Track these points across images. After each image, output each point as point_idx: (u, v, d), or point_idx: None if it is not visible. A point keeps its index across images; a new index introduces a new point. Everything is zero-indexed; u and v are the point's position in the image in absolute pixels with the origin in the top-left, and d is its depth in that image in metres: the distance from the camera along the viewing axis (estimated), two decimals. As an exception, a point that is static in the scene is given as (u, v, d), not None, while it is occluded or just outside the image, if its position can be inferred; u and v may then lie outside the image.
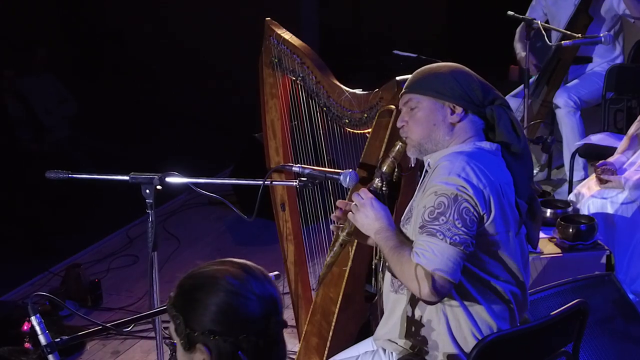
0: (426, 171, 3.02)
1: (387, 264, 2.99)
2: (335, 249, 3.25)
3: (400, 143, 3.09)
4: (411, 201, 3.05)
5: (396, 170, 3.14)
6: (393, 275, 2.98)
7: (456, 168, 2.83)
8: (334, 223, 3.22)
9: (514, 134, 2.97)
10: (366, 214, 2.99)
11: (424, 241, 2.80)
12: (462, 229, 2.78)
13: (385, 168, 3.12)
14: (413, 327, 2.99)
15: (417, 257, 2.79)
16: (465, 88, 2.95)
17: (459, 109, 2.95)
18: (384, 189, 3.08)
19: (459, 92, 2.94)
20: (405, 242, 2.90)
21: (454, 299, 2.92)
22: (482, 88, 2.97)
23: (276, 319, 2.12)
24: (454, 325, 2.95)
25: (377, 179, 3.10)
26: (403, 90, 3.05)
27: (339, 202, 3.19)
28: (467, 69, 3.03)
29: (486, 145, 2.96)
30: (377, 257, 3.18)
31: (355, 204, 3.03)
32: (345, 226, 3.17)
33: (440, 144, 2.97)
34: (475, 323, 2.94)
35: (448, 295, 2.88)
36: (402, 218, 3.07)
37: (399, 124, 3.04)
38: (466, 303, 2.93)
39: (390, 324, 3.07)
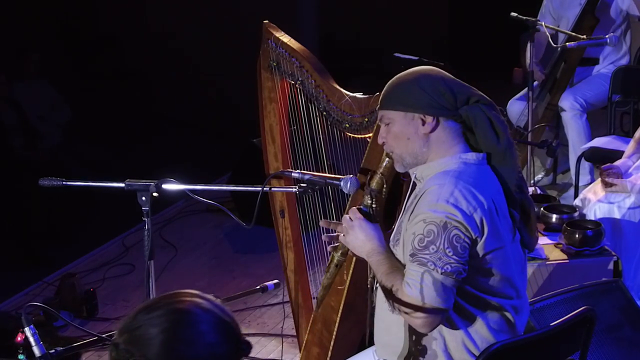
0: (414, 184, 2.98)
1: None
2: (331, 270, 3.25)
3: (387, 158, 3.06)
4: (399, 220, 3.01)
5: (385, 186, 3.11)
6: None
7: (444, 193, 2.78)
8: (330, 244, 3.21)
9: (493, 133, 2.88)
10: (356, 236, 2.97)
11: (415, 271, 2.77)
12: (454, 257, 2.74)
13: (374, 185, 3.09)
14: (410, 348, 2.96)
15: (408, 288, 2.77)
16: (432, 94, 2.86)
17: (429, 119, 2.87)
18: (373, 205, 3.05)
19: (426, 100, 2.86)
20: (397, 267, 2.87)
21: (453, 320, 2.88)
22: (451, 90, 2.87)
23: (243, 340, 2.01)
24: (452, 346, 2.91)
25: (367, 197, 3.07)
26: (377, 107, 3.02)
27: (323, 222, 3.19)
28: (435, 71, 2.93)
29: (471, 158, 2.88)
30: (371, 276, 3.14)
31: (345, 226, 3.00)
32: (340, 246, 3.16)
33: (420, 157, 2.91)
34: (475, 342, 2.90)
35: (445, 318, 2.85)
36: (392, 238, 3.03)
37: (379, 141, 3.00)
38: (465, 323, 2.89)
39: (388, 345, 3.04)
